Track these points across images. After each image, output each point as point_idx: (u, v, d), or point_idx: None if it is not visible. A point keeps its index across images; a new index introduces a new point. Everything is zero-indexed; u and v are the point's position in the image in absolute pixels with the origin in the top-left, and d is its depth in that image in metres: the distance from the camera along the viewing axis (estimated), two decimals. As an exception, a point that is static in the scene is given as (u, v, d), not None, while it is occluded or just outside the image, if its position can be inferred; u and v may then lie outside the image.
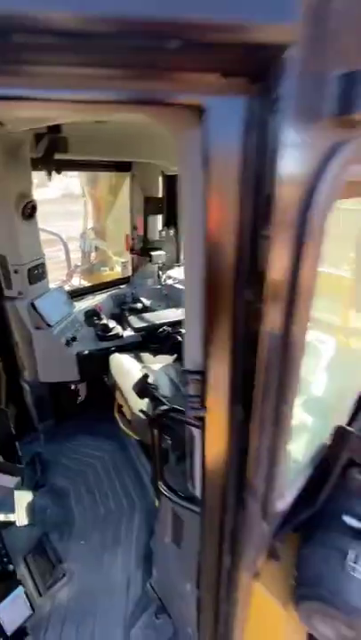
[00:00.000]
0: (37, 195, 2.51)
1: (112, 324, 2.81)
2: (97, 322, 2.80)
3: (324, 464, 1.16)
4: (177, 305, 3.13)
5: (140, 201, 3.38)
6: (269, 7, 0.42)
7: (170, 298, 3.33)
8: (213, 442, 0.87)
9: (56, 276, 5.46)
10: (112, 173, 4.88)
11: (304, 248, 0.57)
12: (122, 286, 3.58)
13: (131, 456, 2.86)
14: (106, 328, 2.76)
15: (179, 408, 1.31)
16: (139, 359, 2.60)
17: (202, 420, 0.87)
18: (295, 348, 0.72)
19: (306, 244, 0.57)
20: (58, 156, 2.24)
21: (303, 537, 1.13)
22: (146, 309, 3.13)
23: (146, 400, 1.88)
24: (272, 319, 0.65)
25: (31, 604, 1.81)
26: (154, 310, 3.13)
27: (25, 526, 2.32)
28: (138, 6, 0.39)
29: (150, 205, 3.39)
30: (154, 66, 0.46)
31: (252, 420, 0.76)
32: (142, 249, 3.51)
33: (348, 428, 1.10)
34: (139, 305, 3.16)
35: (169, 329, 2.68)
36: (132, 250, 3.58)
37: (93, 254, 5.78)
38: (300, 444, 1.37)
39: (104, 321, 2.80)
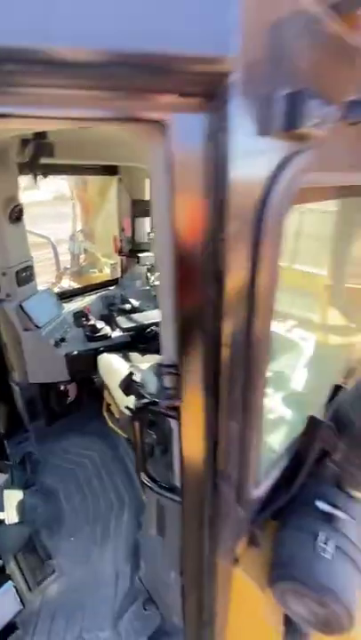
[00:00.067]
0: (28, 197, 2.54)
1: (100, 324, 2.85)
2: (85, 323, 2.83)
3: (299, 453, 1.22)
4: (165, 305, 3.17)
5: (127, 203, 3.43)
6: (214, 43, 0.51)
7: (158, 299, 3.36)
8: (189, 431, 0.92)
9: (46, 279, 5.47)
10: (100, 176, 4.92)
11: (259, 250, 0.64)
12: (111, 288, 3.62)
13: (120, 454, 2.89)
14: (94, 329, 2.80)
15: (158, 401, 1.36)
16: (127, 359, 2.64)
17: (177, 410, 0.92)
18: (258, 342, 0.78)
19: (261, 246, 0.64)
20: (44, 161, 2.27)
21: (280, 523, 1.18)
22: (135, 310, 3.17)
23: (132, 397, 1.93)
24: (233, 316, 0.71)
25: (21, 600, 1.84)
26: (142, 311, 3.16)
27: (15, 524, 2.34)
28: (111, 40, 0.47)
29: (137, 208, 3.44)
30: (124, 88, 0.53)
31: (220, 409, 0.82)
32: (130, 251, 3.55)
33: (318, 418, 1.16)
34: (127, 306, 3.19)
35: (157, 329, 2.73)
36: (120, 252, 3.62)
37: (82, 256, 5.80)
38: (280, 436, 1.42)
39: (92, 322, 2.83)
